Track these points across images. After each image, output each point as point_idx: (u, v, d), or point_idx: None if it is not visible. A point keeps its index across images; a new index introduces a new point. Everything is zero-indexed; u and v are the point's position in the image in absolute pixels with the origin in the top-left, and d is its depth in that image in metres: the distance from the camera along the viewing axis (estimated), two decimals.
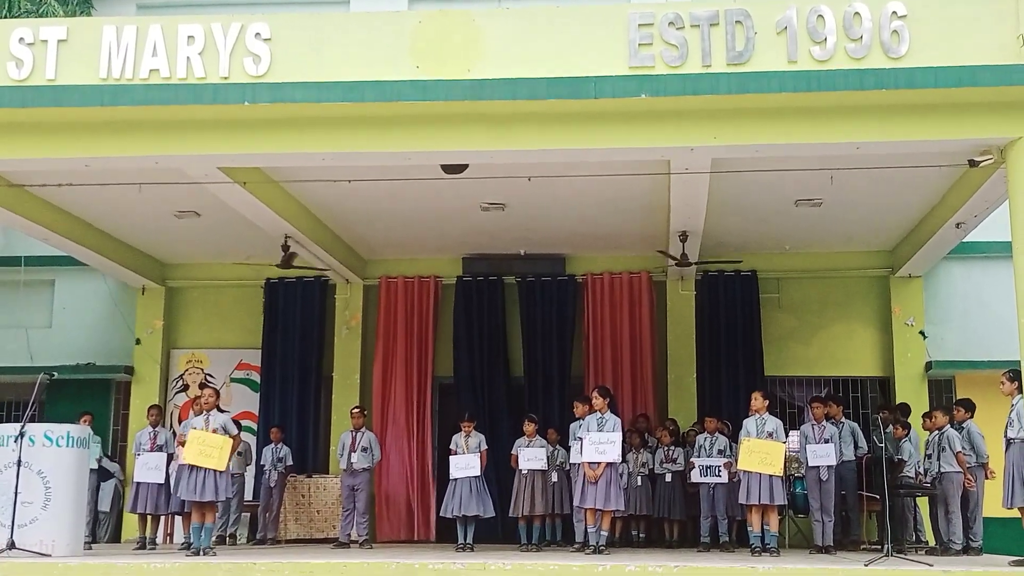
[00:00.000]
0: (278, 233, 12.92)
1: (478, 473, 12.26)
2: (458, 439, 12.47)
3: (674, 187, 10.98)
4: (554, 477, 12.64)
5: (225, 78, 9.89)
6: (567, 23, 9.80)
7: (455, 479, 12.26)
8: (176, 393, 15.86)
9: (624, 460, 12.93)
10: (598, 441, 10.98)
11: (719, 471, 12.30)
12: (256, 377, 15.72)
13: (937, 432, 11.66)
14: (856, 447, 12.58)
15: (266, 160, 10.48)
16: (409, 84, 9.53)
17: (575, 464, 11.53)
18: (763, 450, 10.74)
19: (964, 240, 13.34)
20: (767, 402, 11.23)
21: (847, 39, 9.51)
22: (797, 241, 14.28)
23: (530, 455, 12.37)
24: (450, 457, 12.45)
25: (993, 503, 11.12)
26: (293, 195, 12.39)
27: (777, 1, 9.75)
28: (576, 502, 11.22)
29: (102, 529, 14.67)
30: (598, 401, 11.19)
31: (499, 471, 13.65)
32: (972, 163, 9.77)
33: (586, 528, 11.18)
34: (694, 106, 9.42)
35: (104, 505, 14.68)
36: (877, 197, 12.12)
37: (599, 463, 10.89)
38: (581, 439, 11.19)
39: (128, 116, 9.77)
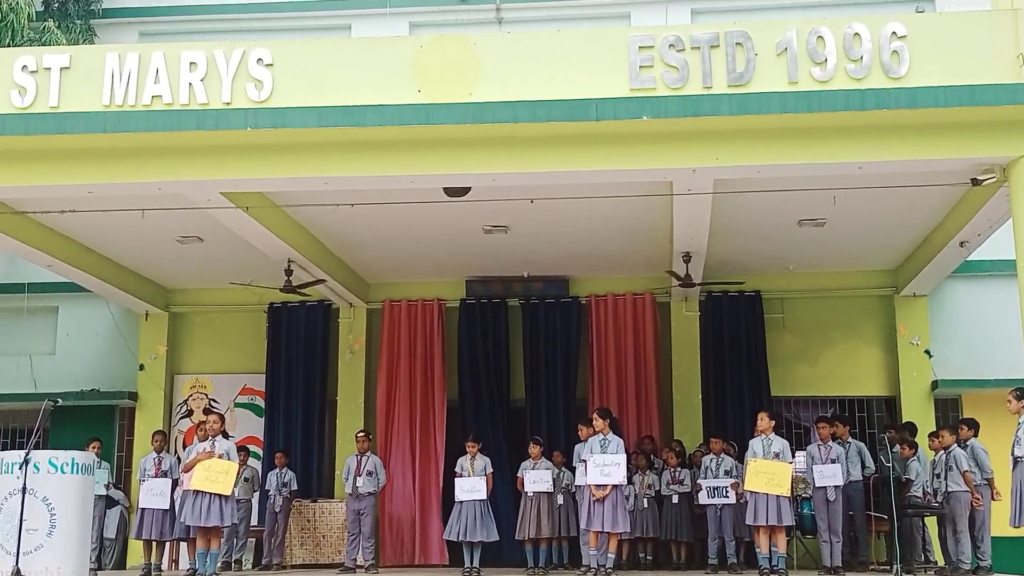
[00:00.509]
0: (281, 258, 12.92)
1: (484, 496, 12.21)
2: (463, 462, 12.44)
3: (677, 208, 10.98)
4: (560, 500, 12.58)
5: (227, 104, 9.92)
6: (568, 46, 9.82)
7: (460, 502, 12.21)
8: (180, 418, 15.85)
9: (631, 482, 12.90)
10: (603, 463, 10.94)
11: (726, 492, 12.25)
12: (260, 402, 15.70)
13: (944, 451, 11.62)
14: (863, 467, 12.50)
15: (269, 185, 10.50)
16: (411, 108, 9.56)
17: (580, 486, 11.48)
18: (770, 471, 10.70)
19: (968, 259, 13.33)
20: (773, 422, 11.19)
21: (847, 60, 9.52)
22: (801, 261, 14.26)
23: (536, 477, 12.33)
24: (456, 480, 12.40)
25: (1000, 522, 11.05)
26: (296, 219, 12.41)
27: (777, 23, 9.80)
28: (583, 525, 11.17)
29: (107, 556, 14.62)
30: (599, 423, 11.16)
31: (502, 494, 13.60)
32: (975, 182, 9.77)
33: (593, 551, 11.12)
34: (696, 127, 9.43)
35: (110, 532, 14.65)
36: (880, 216, 12.11)
37: (606, 485, 10.85)
38: (585, 461, 11.15)
39: (131, 142, 9.81)
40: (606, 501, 10.84)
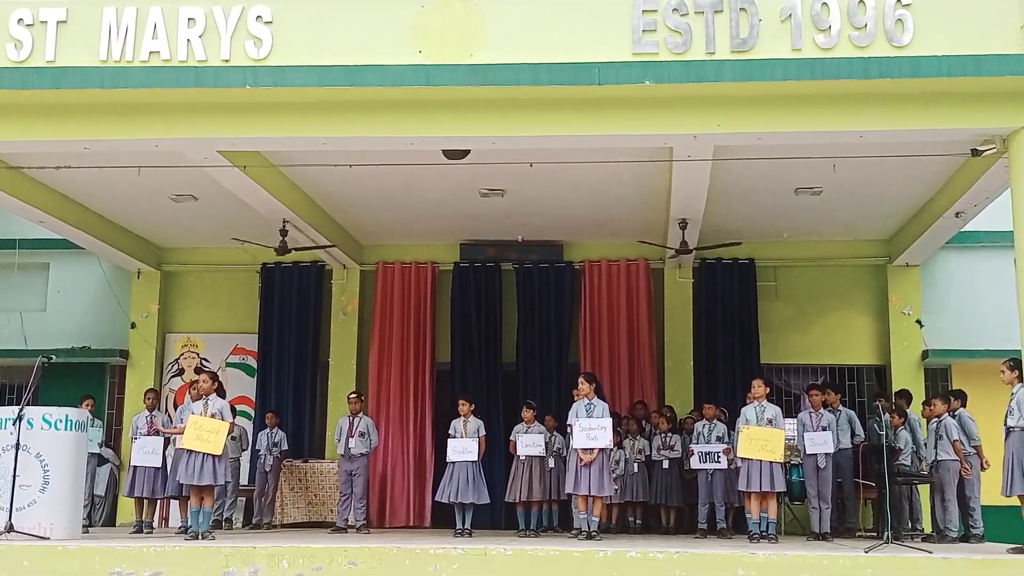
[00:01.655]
0: (276, 217, 12.88)
1: (475, 458, 12.25)
2: (457, 424, 12.46)
3: (676, 174, 10.96)
4: (551, 463, 12.64)
5: (226, 61, 9.79)
6: (570, 9, 9.71)
7: (452, 463, 12.25)
8: (171, 377, 15.85)
9: (621, 446, 12.97)
10: (588, 427, 10.98)
11: (718, 457, 12.32)
12: (252, 362, 15.72)
13: (936, 420, 11.71)
14: (853, 435, 12.59)
15: (267, 144, 10.43)
16: (411, 69, 9.47)
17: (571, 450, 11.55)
18: (763, 437, 10.75)
19: (961, 230, 13.37)
20: (767, 389, 11.24)
21: (851, 27, 9.45)
22: (795, 229, 14.29)
23: (528, 441, 12.37)
24: (448, 440, 12.44)
25: (991, 492, 11.16)
26: (291, 179, 12.35)
27: None
28: (569, 488, 11.22)
29: (97, 513, 14.65)
30: (585, 387, 11.19)
31: (494, 457, 13.67)
32: (975, 152, 9.78)
33: (583, 514, 11.19)
34: (697, 93, 9.39)
35: (100, 489, 14.68)
36: (877, 186, 12.13)
37: (592, 449, 10.91)
38: (571, 426, 11.20)
39: (128, 99, 9.72)
40: (592, 465, 10.90)
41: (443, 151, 10.50)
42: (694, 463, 12.53)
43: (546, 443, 12.54)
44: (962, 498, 11.65)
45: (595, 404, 11.09)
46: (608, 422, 11.03)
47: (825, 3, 9.49)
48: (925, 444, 11.92)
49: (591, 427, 10.96)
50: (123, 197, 12.99)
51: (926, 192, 12.45)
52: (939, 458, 11.61)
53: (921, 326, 14.74)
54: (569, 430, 11.34)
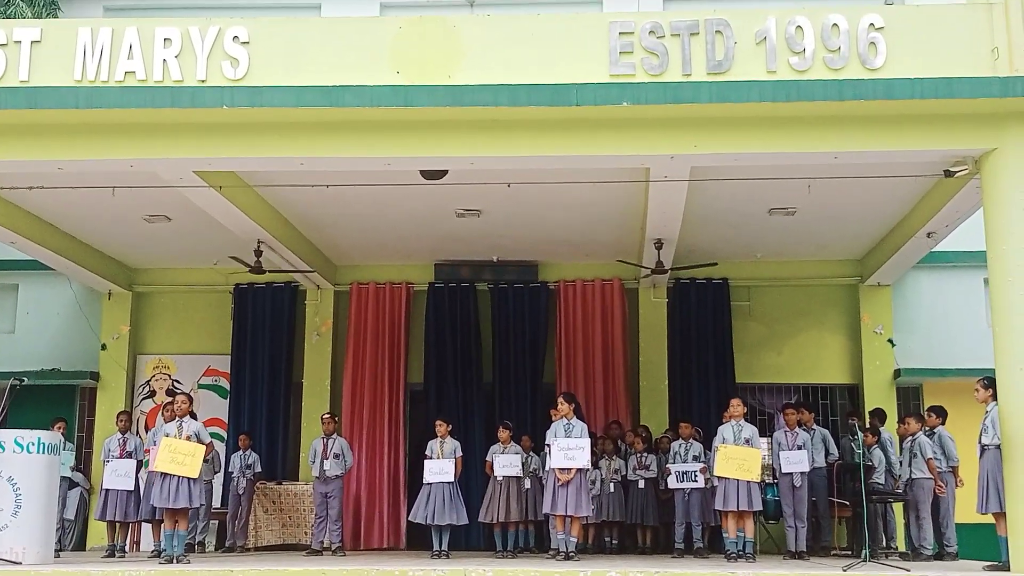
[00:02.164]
0: (250, 238, 12.81)
1: (452, 479, 12.22)
2: (433, 444, 12.43)
3: (652, 195, 11.01)
4: (527, 484, 12.61)
5: (202, 81, 9.77)
6: (548, 31, 9.79)
7: (429, 484, 12.21)
8: (142, 399, 15.70)
9: (597, 466, 12.97)
10: (567, 447, 11.00)
11: (695, 476, 12.33)
12: (224, 383, 15.60)
13: (910, 438, 11.80)
14: (827, 454, 12.67)
15: (243, 164, 10.38)
16: (389, 89, 9.49)
17: (548, 471, 11.54)
18: (740, 456, 10.80)
19: (932, 250, 13.50)
20: (745, 409, 11.30)
21: (825, 50, 9.58)
22: (769, 249, 14.38)
23: (505, 462, 12.34)
24: (425, 462, 12.40)
25: (966, 509, 11.24)
26: (266, 199, 12.30)
27: (756, 11, 9.83)
28: (546, 509, 11.21)
29: (67, 537, 14.44)
30: (564, 407, 11.21)
31: (470, 478, 13.62)
32: (948, 173, 9.90)
33: (561, 535, 11.17)
34: (675, 114, 9.47)
35: (69, 513, 14.47)
36: (850, 206, 12.24)
37: (570, 469, 10.91)
38: (549, 446, 11.21)
39: (103, 119, 9.66)
40: (570, 485, 10.90)
41: (421, 171, 10.51)
42: (671, 483, 12.54)
43: (523, 463, 12.51)
44: (936, 516, 11.74)
45: (574, 424, 11.12)
46: (586, 442, 11.06)
47: (799, 26, 9.62)
48: (901, 463, 11.98)
49: (569, 447, 10.97)
50: (96, 218, 12.88)
51: (898, 212, 12.57)
52: (913, 476, 11.71)
53: (893, 345, 14.85)
54: (547, 450, 11.34)
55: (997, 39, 9.42)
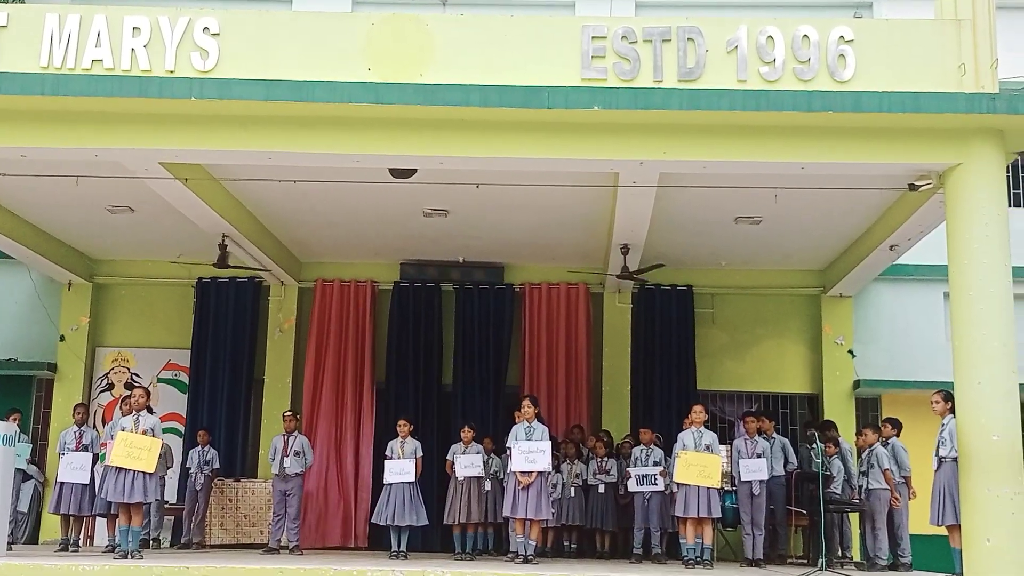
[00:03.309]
0: (214, 232, 12.71)
1: (412, 479, 12.17)
2: (394, 445, 12.37)
3: (620, 200, 11.03)
4: (488, 486, 12.58)
5: (171, 72, 9.69)
6: (521, 33, 9.80)
7: (389, 484, 12.15)
8: (100, 392, 15.52)
9: (558, 470, 12.97)
10: (527, 450, 10.99)
11: (655, 480, 12.36)
12: (184, 378, 15.45)
13: (867, 449, 11.91)
14: (786, 462, 12.73)
15: (210, 157, 10.27)
16: (360, 86, 9.44)
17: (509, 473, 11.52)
18: (700, 463, 10.84)
19: (895, 263, 13.63)
20: (707, 416, 11.35)
21: (795, 60, 9.66)
22: (733, 257, 14.47)
23: (467, 462, 12.30)
24: (385, 462, 12.34)
25: (920, 520, 11.36)
26: (232, 193, 12.20)
27: (728, 20, 9.91)
28: (507, 512, 11.19)
29: (20, 530, 14.24)
30: (529, 410, 11.18)
31: (430, 478, 13.56)
32: (912, 187, 10.00)
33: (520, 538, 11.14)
34: (645, 120, 9.49)
35: (22, 506, 14.27)
36: (815, 217, 12.34)
37: (530, 472, 10.90)
38: (510, 448, 11.19)
39: (69, 106, 9.53)
40: (530, 488, 10.89)
41: (390, 170, 10.46)
42: (631, 486, 12.56)
43: (484, 463, 12.48)
44: (891, 526, 11.85)
45: (535, 427, 11.10)
46: (547, 445, 11.04)
47: (770, 36, 9.69)
48: (862, 473, 12.07)
49: (530, 450, 10.96)
50: (58, 207, 12.72)
51: (862, 224, 12.69)
52: (870, 487, 11.81)
53: (853, 356, 14.99)
54: (508, 452, 11.32)
55: (964, 56, 9.55)
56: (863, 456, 12.01)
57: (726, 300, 15.35)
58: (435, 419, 14.81)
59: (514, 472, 11.02)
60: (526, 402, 11.35)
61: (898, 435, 12.14)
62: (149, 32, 9.76)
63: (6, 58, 9.68)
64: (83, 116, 9.61)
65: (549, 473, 11.28)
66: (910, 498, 12.08)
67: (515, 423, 11.32)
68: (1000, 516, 8.89)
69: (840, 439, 12.68)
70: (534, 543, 11.10)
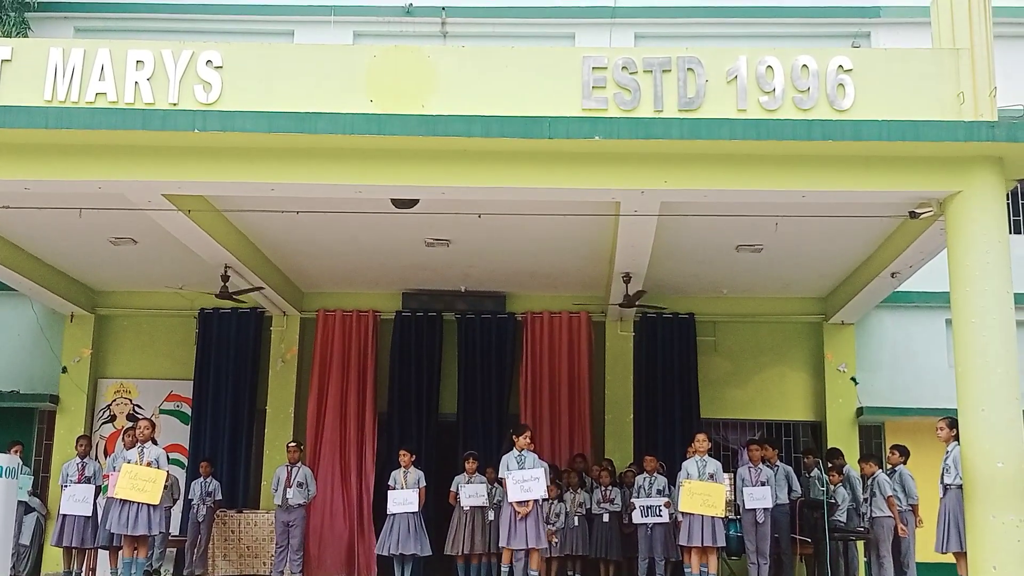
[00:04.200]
0: (217, 263, 12.72)
1: (416, 509, 12.15)
2: (397, 475, 12.36)
3: (622, 229, 11.05)
4: (491, 515, 12.54)
5: (174, 104, 9.75)
6: (522, 63, 9.85)
7: (392, 515, 12.12)
8: (103, 424, 15.50)
9: (561, 499, 12.93)
10: (521, 479, 10.95)
11: (660, 511, 12.32)
12: (187, 409, 15.43)
13: (870, 478, 11.87)
14: (790, 490, 12.72)
15: (214, 189, 10.31)
16: (363, 117, 9.48)
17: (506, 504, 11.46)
18: (705, 492, 10.82)
19: (896, 290, 13.64)
20: (710, 444, 11.33)
21: (795, 90, 9.71)
22: (735, 286, 14.48)
23: (471, 491, 12.29)
24: (388, 492, 12.30)
25: (925, 548, 11.31)
26: (235, 224, 12.23)
27: (727, 50, 9.97)
28: (503, 542, 11.10)
29: (22, 563, 14.18)
30: (521, 440, 11.13)
31: (432, 508, 13.52)
32: (913, 215, 10.01)
33: (511, 568, 11.04)
34: (646, 150, 9.51)
35: (25, 538, 14.22)
36: (816, 244, 12.35)
37: (527, 501, 10.84)
38: (503, 479, 11.13)
39: (73, 139, 9.57)
40: (528, 517, 10.84)
41: (392, 200, 10.48)
42: (636, 517, 12.52)
43: (488, 493, 12.45)
44: (896, 554, 11.80)
45: (525, 455, 11.06)
46: (541, 471, 11.00)
47: (770, 66, 9.74)
48: (865, 501, 12.03)
49: (524, 479, 10.92)
50: (61, 239, 12.75)
51: (863, 252, 12.70)
52: (874, 515, 11.78)
53: (856, 383, 14.96)
54: (502, 483, 11.25)
55: (963, 84, 9.59)
56: (867, 484, 11.97)
57: (728, 328, 15.35)
58: (437, 449, 14.77)
59: (511, 503, 10.94)
60: (527, 434, 11.27)
61: (905, 462, 12.10)
62: (152, 65, 9.83)
63: (10, 92, 9.74)
64: (87, 149, 9.64)
65: (543, 500, 11.14)
66: (917, 526, 12.04)
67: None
68: (1005, 543, 8.84)
69: (846, 466, 12.66)
70: (535, 573, 11.02)
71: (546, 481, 11.14)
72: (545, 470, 11.47)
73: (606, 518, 13.08)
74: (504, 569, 10.99)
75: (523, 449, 11.08)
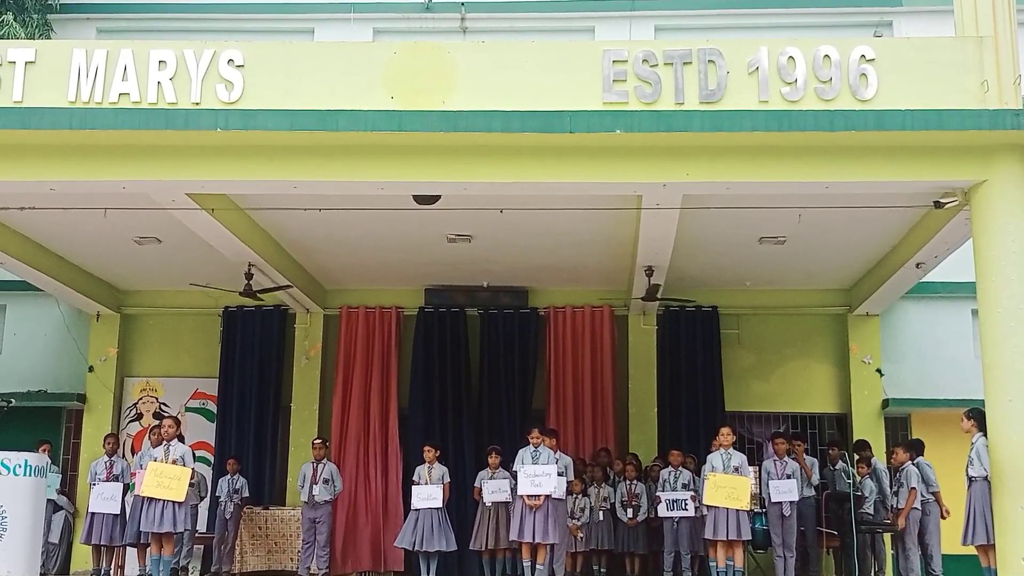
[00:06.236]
0: (241, 261, 12.78)
1: (440, 505, 12.17)
2: (421, 470, 12.39)
3: (644, 222, 11.03)
4: None
5: (197, 104, 9.78)
6: (542, 58, 9.83)
7: (417, 510, 12.15)
8: (129, 422, 15.61)
9: (586, 494, 12.92)
10: (533, 474, 11.02)
11: (685, 504, 12.30)
12: (212, 407, 15.52)
13: (899, 469, 11.82)
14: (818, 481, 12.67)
15: (237, 187, 10.37)
16: (384, 114, 9.50)
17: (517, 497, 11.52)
18: (730, 485, 10.80)
19: (921, 280, 13.55)
20: (735, 437, 11.30)
21: (817, 80, 9.64)
22: (758, 278, 14.42)
23: (495, 487, 12.30)
24: (413, 487, 12.34)
25: (951, 540, 11.24)
26: (258, 223, 12.29)
27: (748, 42, 9.93)
28: (513, 536, 11.15)
29: (51, 561, 14.29)
30: (536, 437, 11.20)
31: (456, 504, 13.54)
32: (937, 204, 9.94)
33: (533, 563, 11.07)
34: (667, 143, 9.48)
35: (54, 536, 14.32)
36: (840, 236, 12.29)
37: (537, 496, 10.86)
38: (516, 472, 11.19)
39: (96, 140, 9.63)
40: (537, 512, 10.86)
41: (414, 196, 10.50)
42: (661, 511, 12.49)
43: (511, 489, 12.45)
44: (923, 545, 11.74)
45: (540, 451, 11.10)
46: (553, 468, 11.04)
47: (791, 57, 9.67)
48: (893, 493, 11.97)
49: (536, 473, 10.99)
50: (86, 239, 12.85)
51: (887, 243, 12.62)
52: (900, 506, 11.71)
53: (881, 375, 14.87)
54: (514, 476, 11.32)
55: (987, 72, 9.50)
56: (896, 475, 11.91)
57: (752, 320, 15.29)
58: (463, 444, 14.78)
59: (521, 496, 11.00)
60: (546, 432, 11.33)
61: (920, 455, 12.05)
62: (175, 65, 9.87)
63: (34, 93, 9.80)
64: (110, 149, 9.71)
65: (554, 494, 11.16)
66: (942, 516, 11.97)
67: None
68: None
69: (873, 458, 12.60)
70: (543, 567, 11.03)
71: (569, 475, 11.17)
72: (569, 465, 11.50)
73: (630, 513, 12.97)
74: (525, 564, 11.01)
75: (538, 445, 11.11)
